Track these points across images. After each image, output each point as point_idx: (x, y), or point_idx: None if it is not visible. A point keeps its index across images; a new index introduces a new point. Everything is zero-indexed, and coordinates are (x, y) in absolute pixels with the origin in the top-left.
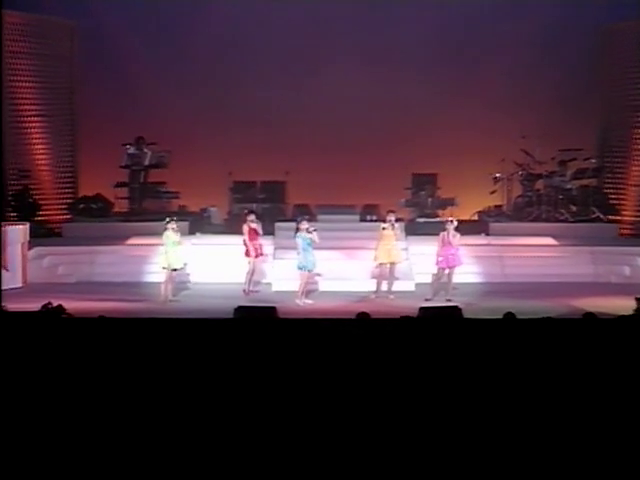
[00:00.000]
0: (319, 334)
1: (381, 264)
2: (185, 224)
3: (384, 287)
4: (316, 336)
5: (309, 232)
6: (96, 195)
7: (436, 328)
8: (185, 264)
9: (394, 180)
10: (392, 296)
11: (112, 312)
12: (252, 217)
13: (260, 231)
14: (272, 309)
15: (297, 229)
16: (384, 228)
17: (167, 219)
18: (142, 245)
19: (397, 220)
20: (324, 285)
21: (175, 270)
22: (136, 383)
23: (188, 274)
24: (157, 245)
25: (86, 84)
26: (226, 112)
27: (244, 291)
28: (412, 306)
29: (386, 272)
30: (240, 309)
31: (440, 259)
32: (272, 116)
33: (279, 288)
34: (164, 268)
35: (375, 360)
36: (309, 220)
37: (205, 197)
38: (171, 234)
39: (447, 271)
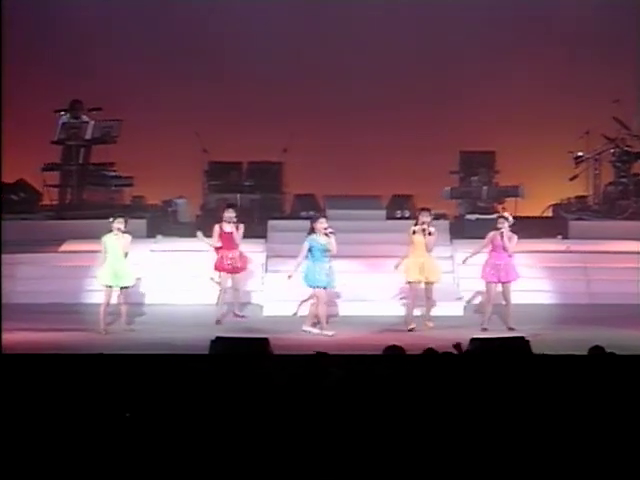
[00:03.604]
0: (331, 376)
1: (411, 282)
2: (141, 223)
3: (418, 312)
4: (326, 379)
5: (326, 234)
6: (18, 182)
7: (493, 368)
8: (136, 279)
9: (435, 161)
10: (431, 323)
11: (39, 346)
12: (230, 214)
13: (237, 238)
14: (263, 341)
15: (311, 229)
16: (414, 232)
17: (112, 217)
18: (81, 252)
19: (436, 218)
20: (338, 308)
21: (125, 288)
22: (71, 444)
23: (143, 293)
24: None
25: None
26: (198, 65)
27: (217, 320)
28: (460, 337)
29: (420, 292)
30: (218, 341)
31: (488, 270)
32: (263, 70)
33: (272, 312)
34: (107, 286)
35: (409, 413)
36: (312, 216)
37: (170, 184)
38: (113, 239)
39: (500, 288)
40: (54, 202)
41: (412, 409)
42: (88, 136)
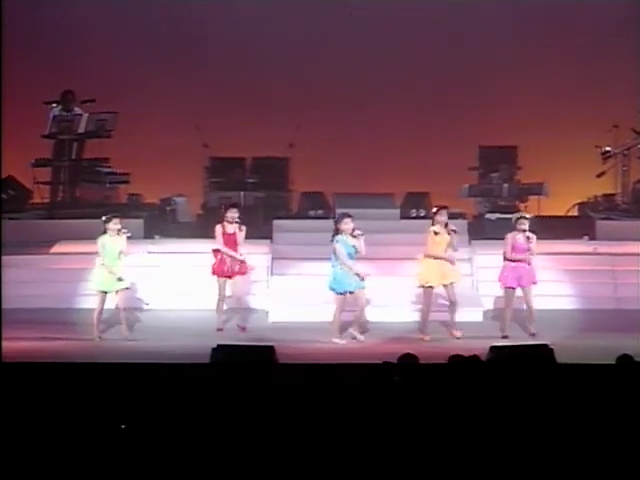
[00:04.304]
0: (342, 387)
1: (426, 287)
2: (138, 222)
3: (433, 318)
4: (337, 390)
5: (353, 236)
6: (6, 179)
7: (515, 378)
8: (132, 283)
9: (452, 157)
10: (458, 333)
11: (28, 354)
12: (233, 214)
13: (240, 238)
14: (268, 349)
15: (336, 230)
16: (436, 232)
17: (105, 216)
18: (73, 254)
19: (454, 218)
20: (346, 314)
21: (123, 290)
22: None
23: (140, 298)
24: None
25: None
26: (199, 55)
27: (218, 328)
28: (478, 345)
29: (433, 297)
30: (220, 349)
31: (506, 274)
32: (268, 59)
33: (279, 318)
34: (101, 291)
35: (426, 424)
36: (321, 216)
37: (168, 181)
38: (109, 240)
39: (520, 292)
40: (45, 200)
41: (429, 423)
42: (81, 130)
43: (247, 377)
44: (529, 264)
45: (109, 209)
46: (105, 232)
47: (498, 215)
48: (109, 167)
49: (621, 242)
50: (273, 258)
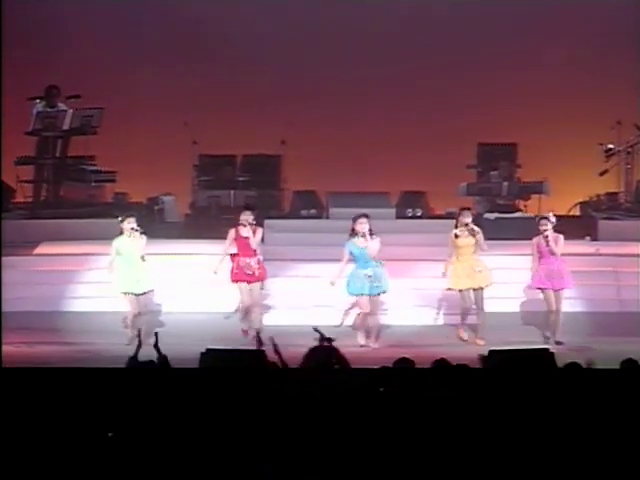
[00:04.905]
0: (336, 393)
1: (460, 290)
2: None
3: (433, 322)
4: (331, 397)
5: (363, 236)
6: None
7: (514, 383)
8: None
9: (450, 154)
10: (482, 341)
11: (10, 360)
12: (247, 216)
13: (255, 243)
14: (260, 353)
15: (352, 231)
16: (457, 235)
17: (122, 217)
18: (58, 255)
19: (451, 217)
20: (338, 318)
21: (144, 294)
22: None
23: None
24: (82, 255)
25: None
26: (187, 48)
27: (243, 330)
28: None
29: (468, 301)
30: (209, 354)
31: (541, 276)
32: (259, 53)
33: (272, 322)
34: (128, 294)
35: (421, 433)
36: (314, 215)
37: (156, 180)
38: (127, 241)
39: (551, 296)
40: (28, 199)
41: (425, 432)
42: (66, 126)
43: (237, 383)
44: (562, 266)
45: (95, 209)
46: (122, 233)
47: (497, 215)
48: (94, 165)
49: (624, 243)
50: (264, 260)
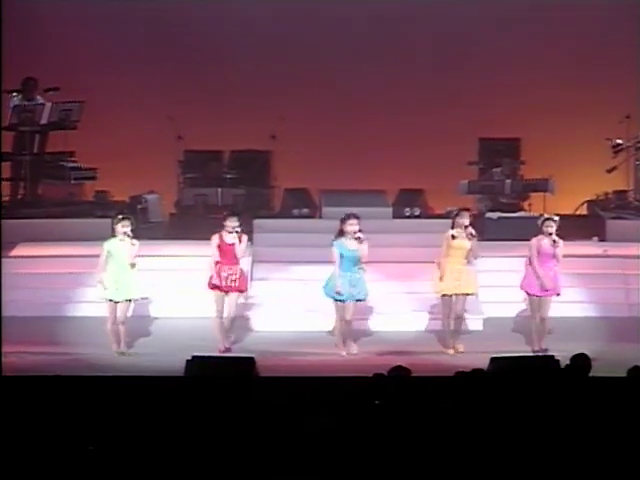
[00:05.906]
0: (328, 403)
1: (445, 295)
2: (105, 222)
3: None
4: (323, 406)
5: (356, 239)
6: None
7: (518, 391)
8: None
9: (450, 150)
10: (462, 347)
11: None
12: (233, 223)
13: (240, 252)
14: (249, 361)
15: (340, 232)
16: (454, 236)
17: (116, 219)
18: (36, 257)
19: (451, 217)
20: (330, 323)
21: (129, 301)
22: None
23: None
24: (62, 257)
25: None
26: (172, 39)
27: (219, 349)
28: (479, 358)
29: (453, 307)
30: (195, 361)
31: (528, 281)
32: (247, 44)
33: (260, 327)
34: (110, 300)
35: (418, 442)
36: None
37: (139, 177)
38: (118, 245)
39: (536, 302)
40: (5, 198)
41: (421, 441)
42: (44, 120)
43: (225, 392)
44: (555, 272)
45: (75, 208)
46: (115, 236)
47: (500, 214)
48: (74, 161)
49: (634, 243)
50: (254, 261)
